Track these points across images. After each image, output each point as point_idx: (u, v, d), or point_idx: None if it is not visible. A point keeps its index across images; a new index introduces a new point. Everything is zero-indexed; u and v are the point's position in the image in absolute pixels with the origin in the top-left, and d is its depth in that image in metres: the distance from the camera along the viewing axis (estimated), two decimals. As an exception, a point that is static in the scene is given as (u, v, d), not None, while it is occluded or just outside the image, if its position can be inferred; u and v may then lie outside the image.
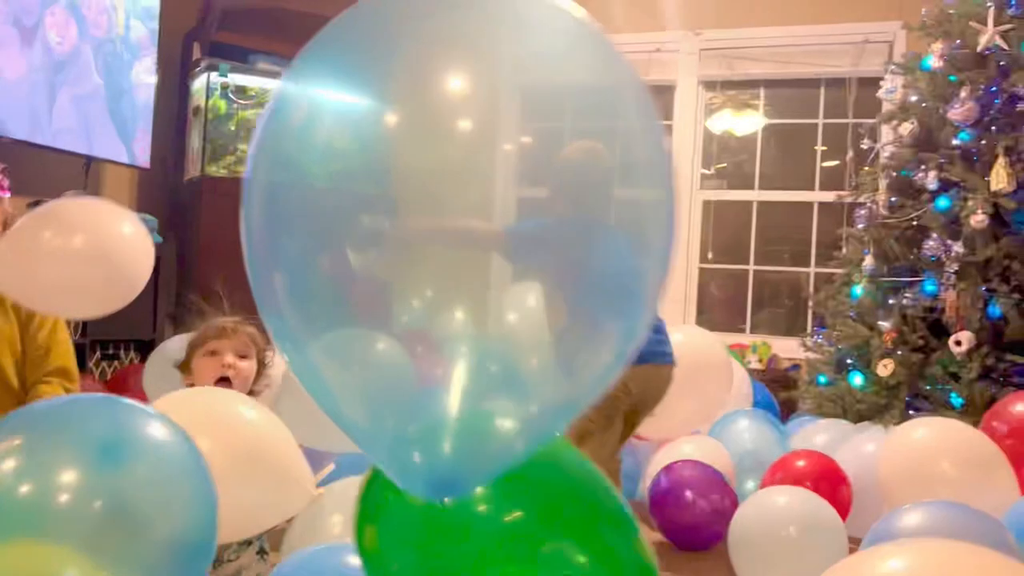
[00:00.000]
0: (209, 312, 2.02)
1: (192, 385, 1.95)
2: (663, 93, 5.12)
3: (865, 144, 3.89)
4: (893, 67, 3.61)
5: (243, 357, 1.94)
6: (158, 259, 3.97)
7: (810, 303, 4.56)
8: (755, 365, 4.51)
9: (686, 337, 2.99)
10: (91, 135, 3.88)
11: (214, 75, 4.35)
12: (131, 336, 3.92)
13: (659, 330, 2.66)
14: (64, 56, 3.68)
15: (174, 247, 4.33)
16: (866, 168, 3.76)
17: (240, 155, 4.44)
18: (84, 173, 3.91)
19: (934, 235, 2.99)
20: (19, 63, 3.44)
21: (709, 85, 5.07)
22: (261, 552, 1.81)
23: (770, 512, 2.18)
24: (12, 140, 3.42)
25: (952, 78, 3.15)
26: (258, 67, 4.57)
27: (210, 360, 1.91)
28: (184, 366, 1.98)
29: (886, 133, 3.93)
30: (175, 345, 2.60)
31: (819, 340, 3.75)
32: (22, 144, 3.50)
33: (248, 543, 1.82)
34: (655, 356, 2.53)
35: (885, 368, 2.93)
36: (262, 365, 2.00)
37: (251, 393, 1.97)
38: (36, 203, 3.56)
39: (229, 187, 4.24)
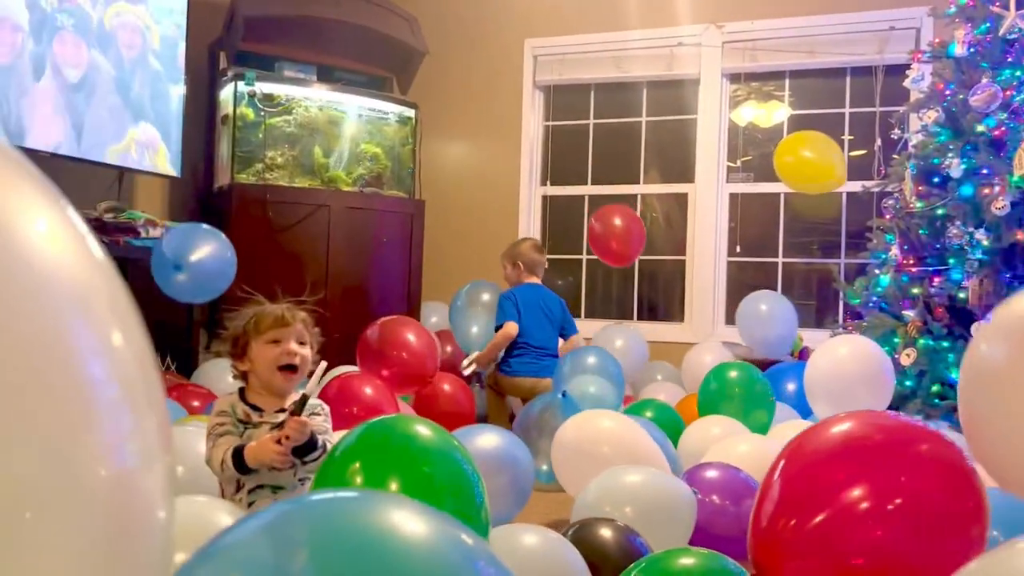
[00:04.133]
0: (257, 297, 2.07)
1: (247, 372, 2.01)
2: (686, 87, 5.11)
3: (896, 134, 3.85)
4: (919, 56, 3.58)
5: (301, 344, 2.00)
6: (191, 266, 4.08)
7: (841, 294, 4.52)
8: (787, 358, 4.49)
9: (850, 349, 3.00)
10: (123, 147, 3.97)
11: (241, 84, 4.43)
12: (168, 344, 4.01)
13: (528, 352, 4.00)
14: (97, 71, 3.77)
15: (206, 254, 4.41)
16: (896, 156, 3.73)
17: (268, 162, 4.51)
18: (117, 183, 4.01)
19: (957, 222, 2.97)
20: (52, 79, 3.53)
21: (733, 78, 5.05)
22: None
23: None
24: (49, 153, 3.52)
25: (984, 64, 3.11)
26: (284, 74, 4.64)
27: (273, 348, 1.97)
28: (236, 352, 2.01)
29: (914, 121, 3.89)
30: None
31: (849, 331, 3.73)
32: (57, 157, 3.59)
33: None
34: (521, 372, 3.98)
35: (908, 357, 2.92)
36: (312, 349, 2.06)
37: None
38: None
39: (258, 194, 4.31)
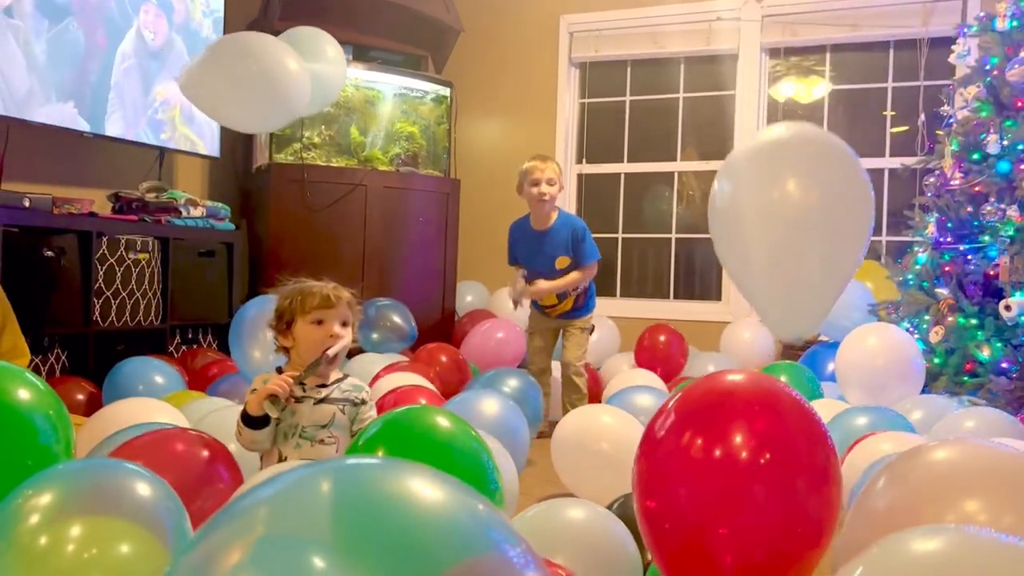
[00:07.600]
0: (302, 275, 2.11)
1: (289, 349, 2.06)
2: (724, 63, 5.04)
3: (945, 110, 3.77)
4: (964, 30, 3.49)
5: (344, 325, 2.05)
6: (230, 245, 4.15)
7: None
8: (825, 337, 4.44)
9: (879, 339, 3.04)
10: (164, 127, 4.04)
11: (278, 64, 4.46)
12: (208, 321, 4.09)
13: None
14: (157, 50, 3.84)
15: (245, 233, 4.48)
16: (939, 132, 3.66)
17: (305, 142, 4.56)
18: (158, 164, 4.08)
19: (992, 199, 2.92)
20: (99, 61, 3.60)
21: (772, 53, 4.97)
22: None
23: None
24: (92, 135, 3.59)
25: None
26: (320, 54, 4.67)
27: (317, 329, 2.01)
28: (280, 327, 2.06)
29: (958, 98, 3.80)
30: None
31: (890, 309, 3.69)
32: (99, 138, 3.67)
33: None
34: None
35: (936, 335, 2.89)
36: (354, 329, 2.11)
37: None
38: (115, 195, 3.74)
39: (296, 173, 4.37)
